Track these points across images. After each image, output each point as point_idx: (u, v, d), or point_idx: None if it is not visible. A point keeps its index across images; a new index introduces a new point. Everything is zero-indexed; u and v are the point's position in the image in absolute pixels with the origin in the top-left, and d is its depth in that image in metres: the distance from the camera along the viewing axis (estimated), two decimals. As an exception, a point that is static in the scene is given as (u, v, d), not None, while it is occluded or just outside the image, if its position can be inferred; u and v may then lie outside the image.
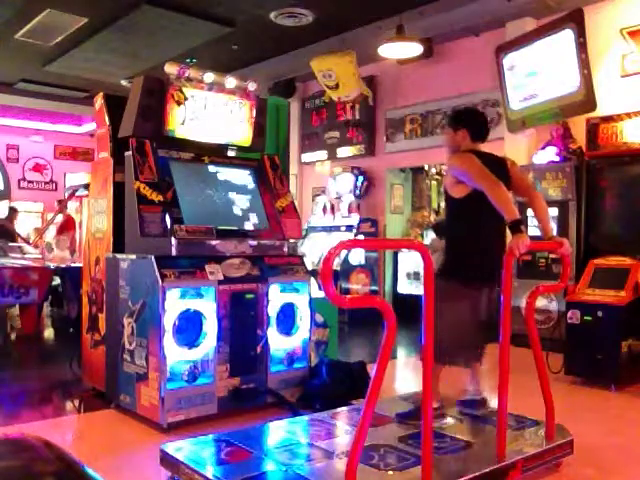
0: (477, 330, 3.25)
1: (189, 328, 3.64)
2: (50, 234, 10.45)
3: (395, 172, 9.26)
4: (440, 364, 3.09)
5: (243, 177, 4.43)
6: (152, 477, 2.98)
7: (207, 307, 3.70)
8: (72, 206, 11.53)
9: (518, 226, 2.85)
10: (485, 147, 3.40)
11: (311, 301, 4.24)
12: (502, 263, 3.18)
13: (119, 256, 4.02)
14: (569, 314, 4.88)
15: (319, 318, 4.71)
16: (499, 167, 3.22)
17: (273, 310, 4.05)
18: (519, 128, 6.92)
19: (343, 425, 3.30)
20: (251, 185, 4.44)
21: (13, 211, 9.88)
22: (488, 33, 7.47)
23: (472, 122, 3.31)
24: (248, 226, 4.22)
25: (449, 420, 3.28)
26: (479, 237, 3.19)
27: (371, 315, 2.73)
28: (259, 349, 3.97)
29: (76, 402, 4.31)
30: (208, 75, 4.19)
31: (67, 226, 9.99)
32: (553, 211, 6.08)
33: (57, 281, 7.57)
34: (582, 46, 6.08)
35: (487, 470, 2.66)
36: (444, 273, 3.14)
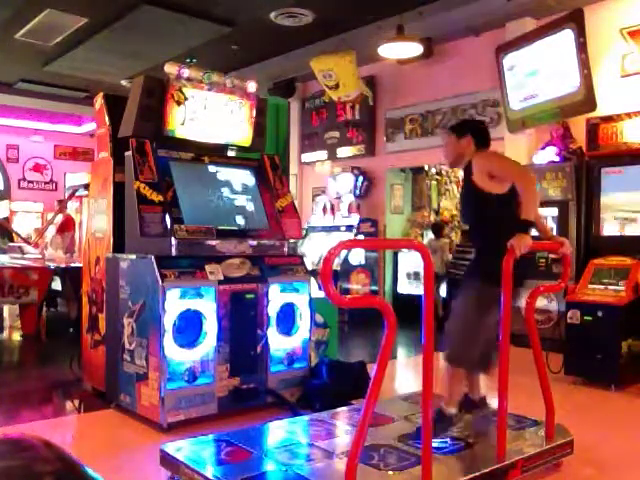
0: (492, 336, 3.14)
1: (189, 328, 3.64)
2: (50, 234, 10.44)
3: (395, 172, 9.25)
4: (466, 369, 3.11)
5: (243, 177, 4.43)
6: (152, 477, 2.98)
7: (207, 307, 3.70)
8: (72, 206, 11.52)
9: (526, 227, 2.86)
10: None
11: (311, 301, 4.24)
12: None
13: (119, 256, 4.02)
14: (569, 314, 4.88)
15: (319, 318, 4.71)
16: None
17: (273, 310, 4.05)
18: (519, 128, 6.92)
19: (343, 425, 3.30)
20: (251, 185, 4.44)
21: None
22: (488, 33, 7.46)
23: (477, 130, 3.34)
24: (248, 226, 4.22)
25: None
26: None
27: (371, 315, 2.73)
28: (259, 349, 3.97)
29: (76, 402, 4.31)
30: (208, 75, 4.19)
31: (67, 226, 9.99)
32: (553, 211, 6.08)
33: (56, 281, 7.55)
34: (582, 46, 6.08)
35: (487, 470, 2.66)
36: (478, 275, 3.06)
